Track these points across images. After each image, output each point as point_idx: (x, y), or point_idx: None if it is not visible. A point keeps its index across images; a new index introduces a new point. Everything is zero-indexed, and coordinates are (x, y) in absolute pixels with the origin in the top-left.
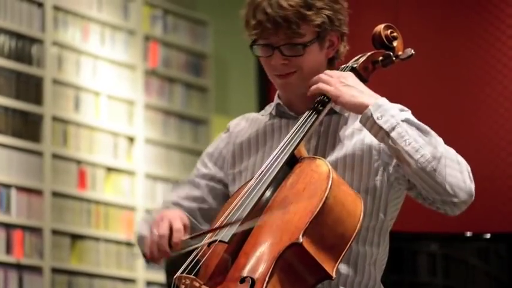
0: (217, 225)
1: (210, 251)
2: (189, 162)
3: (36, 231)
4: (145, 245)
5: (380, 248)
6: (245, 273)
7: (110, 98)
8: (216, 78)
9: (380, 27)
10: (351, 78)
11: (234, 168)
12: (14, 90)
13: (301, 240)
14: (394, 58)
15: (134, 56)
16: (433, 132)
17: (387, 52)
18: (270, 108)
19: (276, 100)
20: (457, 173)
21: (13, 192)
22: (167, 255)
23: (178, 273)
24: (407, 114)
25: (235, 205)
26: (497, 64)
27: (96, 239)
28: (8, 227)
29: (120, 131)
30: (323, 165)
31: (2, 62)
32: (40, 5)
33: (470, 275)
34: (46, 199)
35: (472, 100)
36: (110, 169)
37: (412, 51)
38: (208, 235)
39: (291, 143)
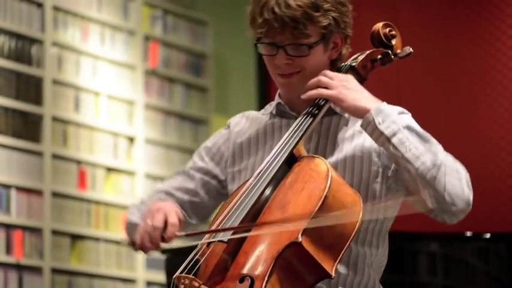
0: (216, 224)
1: (209, 250)
2: None
3: (36, 231)
4: (137, 233)
5: (379, 250)
6: (244, 272)
7: (110, 98)
8: (216, 78)
9: (378, 26)
10: (352, 81)
11: (234, 167)
12: (14, 91)
13: (300, 239)
14: (392, 56)
15: (134, 56)
16: (433, 140)
17: (386, 50)
18: (270, 107)
19: (277, 99)
20: (456, 181)
21: (13, 193)
22: (158, 247)
23: (177, 273)
24: (408, 119)
25: (235, 204)
26: (497, 64)
27: (96, 239)
28: (8, 227)
29: (120, 131)
30: (322, 164)
31: (2, 62)
32: (40, 5)
33: (470, 275)
34: (46, 199)
35: (472, 100)
36: (110, 169)
37: (411, 49)
38: (207, 235)
39: (290, 142)
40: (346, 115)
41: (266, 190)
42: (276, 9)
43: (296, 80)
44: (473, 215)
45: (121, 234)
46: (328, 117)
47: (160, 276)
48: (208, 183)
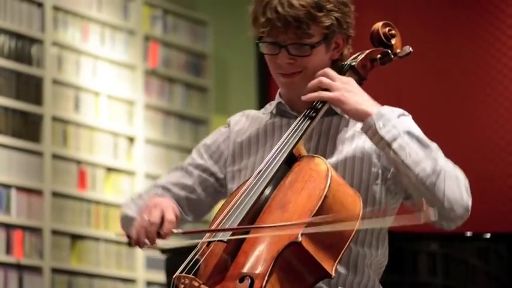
0: (216, 224)
1: (209, 250)
2: None
3: (36, 231)
4: (133, 227)
5: (379, 251)
6: (244, 272)
7: (110, 98)
8: (216, 78)
9: (378, 25)
10: (352, 83)
11: (234, 166)
12: (14, 91)
13: (300, 239)
14: (392, 56)
15: (134, 56)
16: (433, 145)
17: (385, 50)
18: (270, 106)
19: (278, 99)
20: (455, 187)
21: (13, 192)
22: (153, 243)
23: (177, 273)
24: (409, 124)
25: (234, 204)
26: (497, 64)
27: (96, 239)
28: (8, 227)
29: (120, 131)
30: (322, 164)
31: (2, 62)
32: (40, 5)
33: (470, 275)
34: (46, 199)
35: (472, 100)
36: (110, 169)
37: (411, 48)
38: (207, 235)
39: (289, 142)
40: (347, 116)
41: (266, 190)
42: (279, 9)
43: (298, 79)
44: (473, 215)
45: (120, 232)
46: (329, 117)
47: (160, 276)
48: (206, 180)
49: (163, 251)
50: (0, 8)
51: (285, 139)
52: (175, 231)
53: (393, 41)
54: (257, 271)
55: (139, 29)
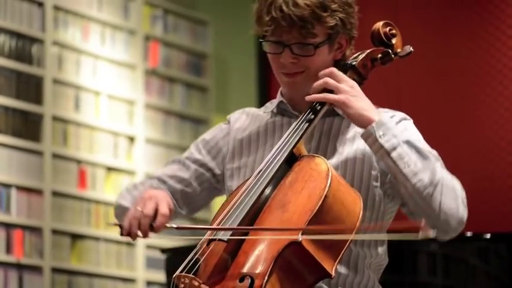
0: (216, 223)
1: (209, 250)
2: None
3: (36, 231)
4: (126, 217)
5: (379, 252)
6: (244, 271)
7: (110, 98)
8: (216, 78)
9: (379, 25)
10: (357, 87)
11: (233, 163)
12: (14, 90)
13: (300, 239)
14: (393, 55)
15: (134, 55)
16: (432, 157)
17: (386, 49)
18: (271, 105)
19: (279, 98)
20: (451, 200)
21: (13, 192)
22: (146, 235)
23: (177, 272)
24: (409, 133)
25: (234, 203)
26: (497, 64)
27: (96, 238)
28: (8, 226)
29: (120, 130)
30: (322, 164)
31: (2, 61)
32: (40, 4)
33: (470, 275)
34: (46, 199)
35: (472, 100)
36: (110, 169)
37: (411, 48)
38: (207, 233)
39: (290, 141)
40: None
41: (266, 189)
42: (284, 8)
43: (300, 79)
44: (473, 215)
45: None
46: (330, 118)
47: (160, 276)
48: (203, 175)
49: (163, 250)
50: (0, 7)
51: (285, 138)
52: (168, 225)
53: (394, 41)
54: (257, 271)
55: (139, 29)
